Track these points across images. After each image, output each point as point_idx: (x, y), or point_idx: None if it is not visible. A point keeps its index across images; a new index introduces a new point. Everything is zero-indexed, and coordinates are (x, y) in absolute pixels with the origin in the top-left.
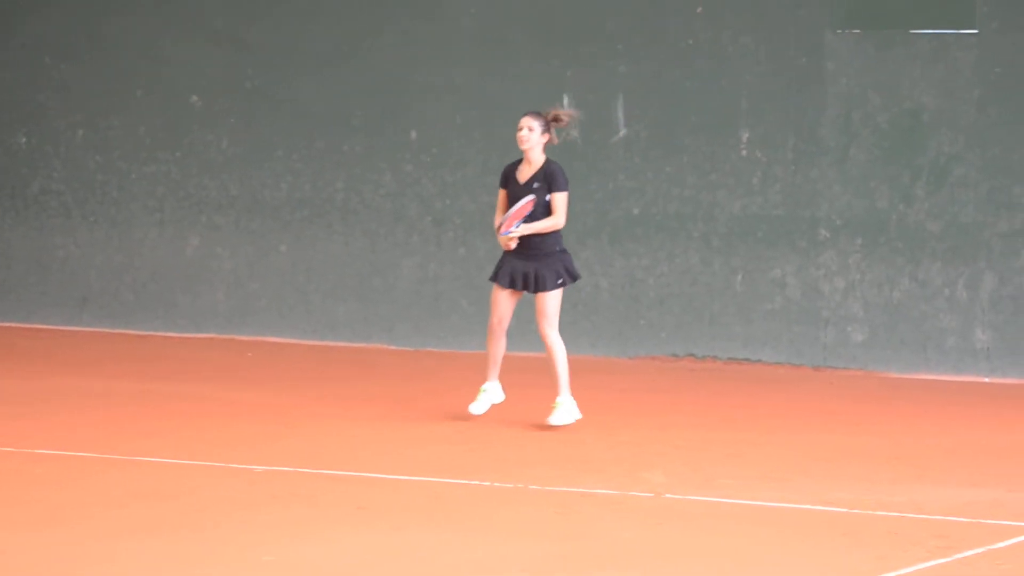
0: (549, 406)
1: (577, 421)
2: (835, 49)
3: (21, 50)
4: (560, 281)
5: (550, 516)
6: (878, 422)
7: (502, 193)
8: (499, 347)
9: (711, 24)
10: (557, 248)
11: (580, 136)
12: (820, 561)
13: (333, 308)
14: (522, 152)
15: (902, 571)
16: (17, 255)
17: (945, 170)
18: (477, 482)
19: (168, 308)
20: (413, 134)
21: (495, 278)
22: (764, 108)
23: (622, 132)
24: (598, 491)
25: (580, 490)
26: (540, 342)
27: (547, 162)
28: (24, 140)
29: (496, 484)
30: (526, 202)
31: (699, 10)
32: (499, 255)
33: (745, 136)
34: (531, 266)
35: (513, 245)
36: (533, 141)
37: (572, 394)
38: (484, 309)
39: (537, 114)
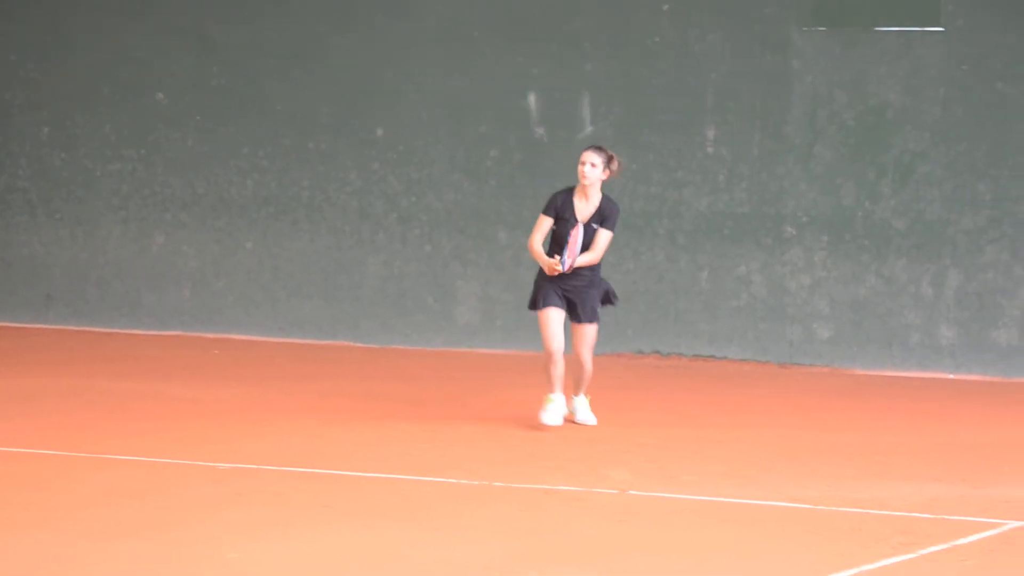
0: (570, 406)
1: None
2: (801, 47)
3: None
4: (598, 311)
5: (515, 514)
6: (843, 419)
7: (547, 221)
8: (560, 368)
9: (677, 22)
10: (597, 277)
11: (546, 134)
12: (784, 558)
13: (299, 305)
14: (582, 185)
15: (866, 567)
16: None
17: (910, 167)
18: (442, 480)
19: (133, 306)
20: (379, 132)
21: (542, 305)
22: (730, 106)
23: (588, 130)
24: (562, 488)
25: (545, 487)
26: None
27: (607, 200)
28: None
29: (461, 482)
30: (577, 237)
31: (665, 8)
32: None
33: (711, 134)
34: (573, 295)
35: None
36: (595, 177)
37: (537, 390)
38: (449, 305)
39: (600, 149)
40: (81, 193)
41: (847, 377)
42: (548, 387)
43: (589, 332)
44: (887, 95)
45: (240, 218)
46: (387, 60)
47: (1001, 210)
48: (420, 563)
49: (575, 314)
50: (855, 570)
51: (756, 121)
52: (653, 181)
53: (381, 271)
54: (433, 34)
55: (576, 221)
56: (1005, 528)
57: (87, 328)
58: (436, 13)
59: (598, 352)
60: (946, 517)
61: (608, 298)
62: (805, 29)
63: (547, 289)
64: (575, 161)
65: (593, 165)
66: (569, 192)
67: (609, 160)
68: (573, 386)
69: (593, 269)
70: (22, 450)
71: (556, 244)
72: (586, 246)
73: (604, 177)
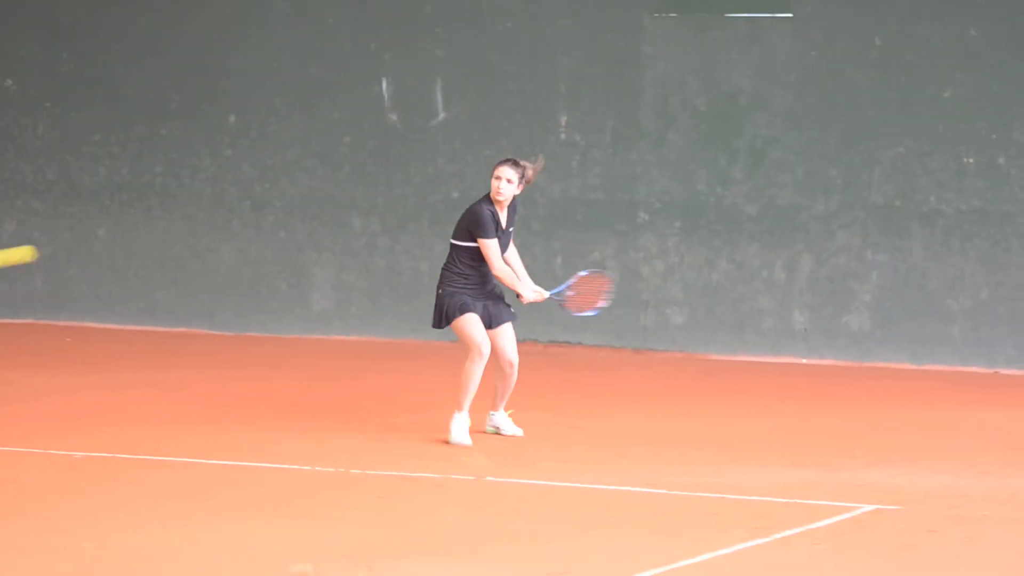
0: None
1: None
2: (652, 33)
3: None
4: (513, 310)
5: (372, 500)
6: (698, 404)
7: (495, 243)
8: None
9: (529, 7)
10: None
11: (399, 120)
12: (640, 543)
13: (152, 293)
14: (497, 200)
15: (722, 551)
16: None
17: (762, 153)
18: (298, 467)
19: None
20: (232, 118)
21: (461, 312)
22: (582, 92)
23: (441, 116)
24: (420, 475)
25: (402, 474)
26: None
27: (513, 202)
28: None
29: (318, 468)
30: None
31: None
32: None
33: (564, 120)
34: (489, 303)
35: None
36: (510, 193)
37: (391, 378)
38: (304, 292)
39: (515, 164)
40: None
41: (701, 362)
42: (457, 405)
43: (511, 330)
44: (738, 81)
45: (92, 205)
46: (239, 45)
47: (852, 195)
48: (275, 551)
49: (497, 318)
50: (710, 555)
51: (609, 107)
52: None
53: (235, 258)
54: (284, 19)
55: (507, 232)
56: (857, 512)
57: None
58: None
59: (453, 339)
60: (800, 501)
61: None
62: (656, 15)
63: (462, 297)
64: (428, 148)
65: (509, 181)
66: (490, 204)
67: (522, 175)
68: (495, 400)
69: (495, 281)
70: None
71: (476, 259)
72: (504, 247)
73: (518, 191)
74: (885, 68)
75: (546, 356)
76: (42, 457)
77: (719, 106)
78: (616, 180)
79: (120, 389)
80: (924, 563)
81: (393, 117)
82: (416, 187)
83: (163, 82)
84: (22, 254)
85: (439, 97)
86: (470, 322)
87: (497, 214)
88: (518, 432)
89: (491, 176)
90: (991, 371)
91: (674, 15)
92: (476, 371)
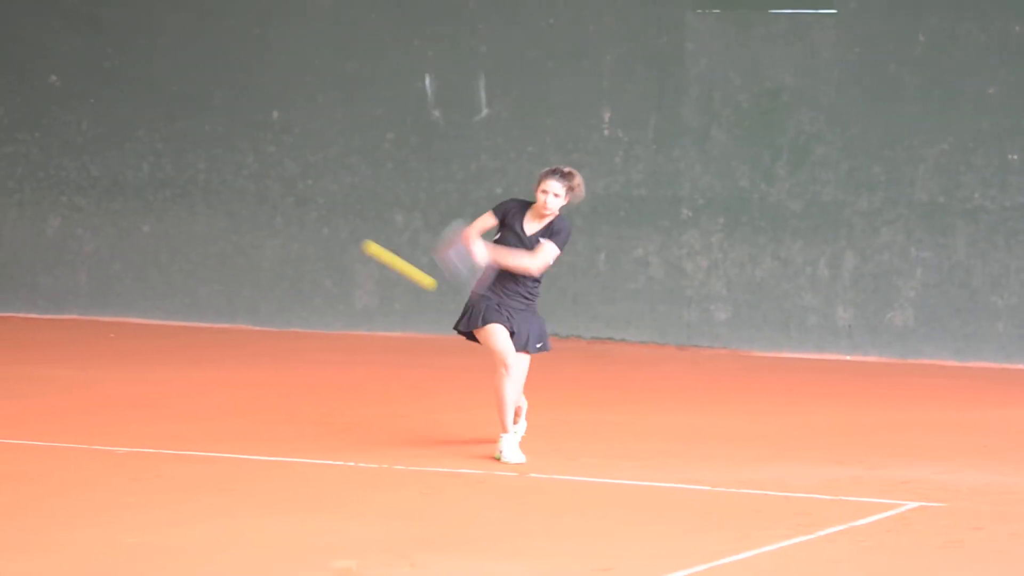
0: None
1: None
2: (695, 29)
3: None
4: (540, 346)
5: (415, 496)
6: (741, 401)
7: (490, 220)
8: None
9: (572, 4)
10: (535, 305)
11: (442, 116)
12: (683, 539)
13: (196, 288)
14: (540, 212)
15: (765, 548)
16: None
17: (805, 149)
18: (342, 463)
19: (29, 289)
20: (275, 114)
21: (484, 321)
22: (626, 88)
23: (484, 112)
24: (463, 471)
25: (445, 470)
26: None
27: (558, 218)
28: None
29: (361, 465)
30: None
31: None
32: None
33: (607, 116)
34: (512, 319)
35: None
36: (556, 208)
37: (434, 374)
38: (347, 288)
39: (564, 176)
40: None
41: (745, 359)
42: (501, 427)
43: (524, 364)
44: (782, 77)
45: (136, 201)
46: (281, 41)
47: (896, 192)
48: (319, 547)
49: (518, 340)
50: (754, 551)
51: (652, 103)
52: (550, 163)
53: (279, 254)
54: (327, 16)
55: (524, 233)
56: (902, 509)
57: None
58: None
59: None
60: (844, 498)
61: (542, 337)
62: (699, 12)
63: (484, 305)
64: (471, 145)
65: (556, 195)
66: (525, 206)
67: (570, 186)
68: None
69: (531, 293)
70: None
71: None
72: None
73: (565, 203)
74: (928, 65)
75: (589, 353)
76: (86, 452)
77: (762, 102)
78: (659, 176)
79: (163, 384)
80: (969, 560)
81: (436, 113)
82: (458, 183)
83: (206, 78)
84: (425, 280)
85: (482, 93)
86: (494, 333)
87: (524, 214)
88: (521, 459)
89: (536, 188)
90: None
91: (717, 11)
92: (507, 387)
